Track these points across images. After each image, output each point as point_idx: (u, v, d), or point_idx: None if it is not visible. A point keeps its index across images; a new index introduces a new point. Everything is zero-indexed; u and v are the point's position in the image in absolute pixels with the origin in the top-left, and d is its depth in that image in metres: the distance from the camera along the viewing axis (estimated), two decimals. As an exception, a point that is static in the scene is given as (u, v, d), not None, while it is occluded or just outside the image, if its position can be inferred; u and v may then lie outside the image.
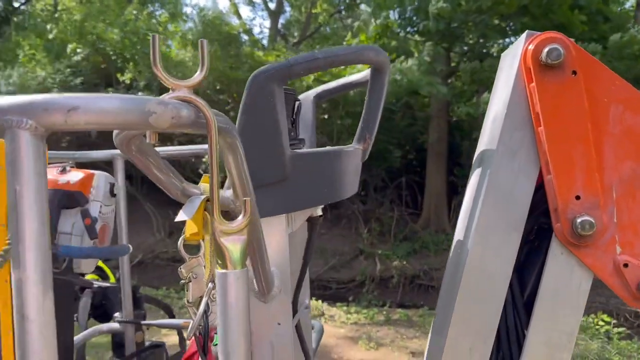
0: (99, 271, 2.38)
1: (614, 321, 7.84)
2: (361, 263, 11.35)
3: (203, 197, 0.82)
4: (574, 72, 0.89)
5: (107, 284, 2.12)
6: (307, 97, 1.21)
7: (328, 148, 0.98)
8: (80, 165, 1.45)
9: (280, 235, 0.99)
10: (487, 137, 1.01)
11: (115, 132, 0.60)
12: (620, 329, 7.60)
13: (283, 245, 0.99)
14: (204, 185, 0.84)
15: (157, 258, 11.45)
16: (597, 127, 0.91)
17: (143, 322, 1.77)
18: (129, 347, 1.81)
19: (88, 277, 2.28)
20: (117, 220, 1.68)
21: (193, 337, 0.84)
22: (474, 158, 1.09)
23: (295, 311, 1.12)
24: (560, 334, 0.92)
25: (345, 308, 8.78)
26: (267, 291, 0.97)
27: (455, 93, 11.31)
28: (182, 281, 0.87)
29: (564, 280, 0.92)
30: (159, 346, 1.74)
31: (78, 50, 12.05)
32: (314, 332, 1.59)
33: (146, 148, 0.67)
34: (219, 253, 0.62)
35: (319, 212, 1.07)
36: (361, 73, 1.13)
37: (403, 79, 10.59)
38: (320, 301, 8.81)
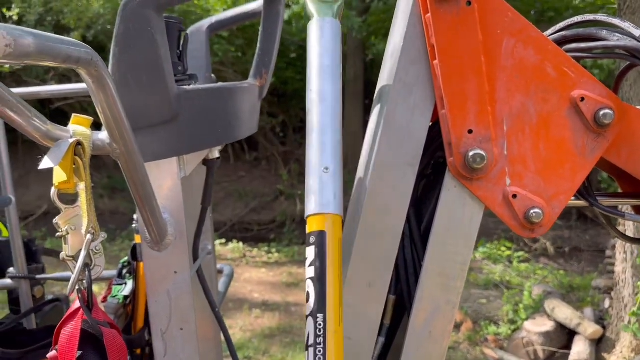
0: (-11, 226, 2.19)
1: (515, 247, 8.57)
2: (282, 204, 11.44)
3: (72, 140, 0.74)
4: (469, 3, 0.87)
5: (-1, 239, 1.95)
6: (199, 29, 1.11)
7: (220, 84, 0.91)
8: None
9: (171, 180, 0.93)
10: (387, 73, 0.99)
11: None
12: (520, 253, 8.34)
13: (175, 191, 0.93)
14: (74, 126, 0.75)
15: (66, 208, 10.79)
16: (490, 60, 0.91)
17: (37, 276, 1.66)
18: (25, 303, 1.70)
19: (-23, 232, 2.09)
20: (-1, 169, 1.52)
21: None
22: (375, 95, 1.06)
23: (195, 258, 1.08)
24: (454, 264, 0.96)
25: (266, 248, 8.89)
26: (160, 239, 0.92)
27: (370, 31, 11.28)
28: (59, 234, 0.79)
29: (456, 212, 0.94)
30: (58, 300, 1.65)
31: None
32: (223, 277, 1.57)
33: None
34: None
35: (216, 154, 1.01)
36: (256, 2, 1.05)
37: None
38: (240, 243, 8.85)
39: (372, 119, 1.04)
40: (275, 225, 10.92)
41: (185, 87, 0.87)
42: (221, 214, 10.92)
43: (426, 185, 1.06)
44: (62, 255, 0.79)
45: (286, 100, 12.51)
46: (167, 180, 0.92)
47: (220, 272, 1.58)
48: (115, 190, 11.63)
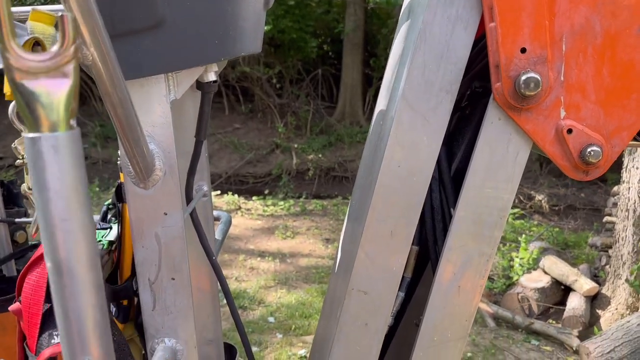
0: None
1: (510, 203, 8.50)
2: (277, 157, 11.29)
3: (28, 37, 0.57)
4: None
5: (-26, 180, 1.80)
6: None
7: (218, -16, 0.74)
8: None
9: (159, 103, 0.77)
10: (420, -21, 0.81)
11: None
12: (515, 210, 8.29)
13: (164, 116, 0.77)
14: (32, 24, 0.58)
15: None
16: (550, -37, 0.74)
17: (17, 220, 1.52)
18: (3, 247, 1.57)
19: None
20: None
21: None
22: (402, 9, 0.89)
23: (189, 199, 0.93)
24: (491, 210, 0.82)
25: (261, 201, 8.80)
26: (145, 175, 0.77)
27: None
28: (19, 161, 0.63)
29: (499, 150, 0.80)
30: (38, 246, 1.52)
31: None
32: (220, 224, 1.43)
33: None
34: (21, 106, 0.40)
35: (212, 76, 0.84)
36: None
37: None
38: (236, 195, 8.74)
39: (399, 39, 0.87)
40: (271, 179, 10.80)
41: (175, -15, 0.70)
42: (216, 166, 10.77)
43: (460, 119, 0.91)
44: (24, 187, 0.63)
45: (283, 50, 12.12)
46: (154, 103, 0.76)
47: (217, 219, 1.45)
48: (108, 140, 11.41)
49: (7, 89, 0.55)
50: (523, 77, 0.74)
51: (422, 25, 0.76)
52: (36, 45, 0.57)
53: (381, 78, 0.88)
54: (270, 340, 4.46)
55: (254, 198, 9.00)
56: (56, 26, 0.62)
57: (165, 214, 0.80)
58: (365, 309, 0.87)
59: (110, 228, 1.12)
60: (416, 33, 0.77)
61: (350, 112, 12.34)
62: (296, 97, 12.40)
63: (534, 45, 0.74)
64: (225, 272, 5.73)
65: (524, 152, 0.80)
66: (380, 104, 0.93)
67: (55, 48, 0.41)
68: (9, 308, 0.71)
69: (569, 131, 0.78)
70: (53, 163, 0.41)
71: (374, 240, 0.83)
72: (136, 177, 0.77)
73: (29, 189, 0.62)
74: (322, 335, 1.02)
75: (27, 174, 0.62)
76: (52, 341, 0.67)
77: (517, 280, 5.44)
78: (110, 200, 1.15)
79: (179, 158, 0.82)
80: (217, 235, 1.33)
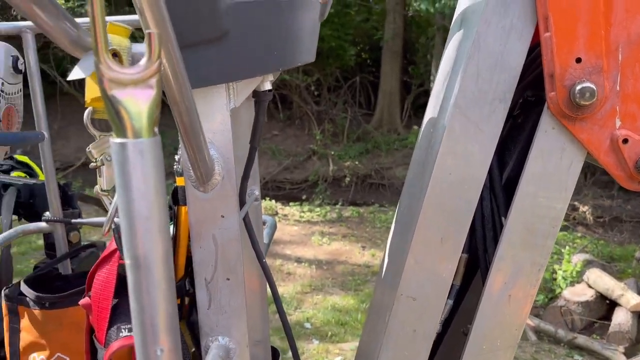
0: (26, 168, 2.14)
1: (552, 214, 8.27)
2: (314, 164, 11.35)
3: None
4: None
5: (34, 181, 1.89)
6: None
7: (278, -4, 0.77)
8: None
9: (220, 111, 0.80)
10: (473, -11, 0.83)
11: None
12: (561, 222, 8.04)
13: (224, 124, 0.81)
14: (110, 36, 0.63)
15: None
16: (607, -27, 0.74)
17: (73, 220, 1.60)
18: (60, 247, 1.65)
19: (14, 174, 2.05)
20: (34, 107, 1.43)
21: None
22: (454, 19, 0.91)
23: (242, 203, 0.97)
24: (544, 219, 0.82)
25: (298, 207, 8.86)
26: (206, 179, 0.80)
27: (412, -14, 10.78)
28: (93, 164, 0.68)
29: (553, 158, 0.80)
30: (94, 246, 1.59)
31: None
32: (267, 228, 1.47)
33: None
34: (111, 113, 0.43)
35: (268, 85, 0.88)
36: None
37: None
38: (273, 201, 8.83)
39: (451, 48, 0.89)
40: (307, 185, 10.87)
41: (237, -1, 0.74)
42: (254, 171, 10.90)
43: (511, 127, 0.91)
44: (97, 188, 0.68)
45: (322, 58, 12.21)
46: (215, 111, 0.80)
47: (263, 223, 1.48)
48: (163, 146, 11.72)
49: (88, 97, 0.59)
50: (578, 87, 0.74)
51: (476, 35, 0.77)
52: (114, 56, 0.62)
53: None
54: (307, 346, 4.48)
55: (290, 204, 9.08)
56: (130, 38, 0.66)
57: (223, 216, 0.84)
58: (414, 315, 0.88)
59: (165, 230, 1.16)
60: (470, 42, 0.78)
61: (388, 120, 12.31)
62: (334, 104, 12.46)
63: (589, 55, 0.75)
64: (262, 276, 5.79)
65: (577, 162, 0.80)
66: (430, 112, 0.94)
67: (143, 62, 0.45)
68: (79, 302, 0.75)
69: (625, 141, 0.77)
70: (137, 166, 0.45)
71: (424, 247, 0.84)
72: (197, 181, 0.81)
73: (102, 190, 0.67)
74: (368, 342, 1.03)
75: (99, 177, 0.67)
76: (121, 334, 0.71)
77: (560, 293, 5.29)
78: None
79: (234, 163, 0.86)
80: (264, 239, 1.36)
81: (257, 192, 1.10)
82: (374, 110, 12.63)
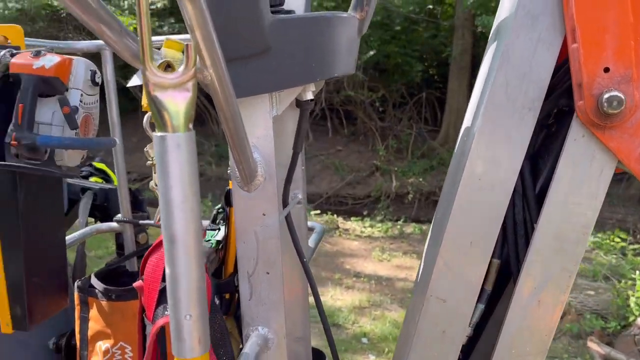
0: (103, 174, 2.35)
1: (630, 238, 7.80)
2: (377, 179, 11.34)
3: (161, 61, 0.70)
4: None
5: (109, 186, 2.08)
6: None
7: (317, 13, 0.84)
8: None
9: (263, 119, 0.89)
10: (508, 2, 0.86)
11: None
12: (636, 246, 7.57)
13: (266, 130, 0.89)
14: (165, 50, 0.72)
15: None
16: (637, -16, 0.76)
17: (140, 222, 1.74)
18: (128, 246, 1.80)
19: (92, 180, 2.25)
20: (109, 117, 1.59)
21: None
22: (491, 32, 0.94)
23: (285, 204, 1.04)
24: (574, 226, 0.83)
25: (359, 222, 8.88)
26: (249, 179, 0.88)
27: (481, 2, 10.63)
28: (149, 162, 0.78)
29: (583, 166, 0.81)
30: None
31: None
32: (314, 233, 1.53)
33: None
34: (154, 111, 0.51)
35: (309, 95, 0.95)
36: None
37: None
38: (335, 215, 8.91)
39: (487, 59, 0.92)
40: (370, 201, 10.86)
41: (279, 16, 0.82)
42: (317, 186, 11.07)
43: (546, 136, 0.93)
44: (152, 184, 0.77)
45: (387, 74, 12.25)
46: (259, 118, 0.88)
47: (311, 229, 1.55)
48: (222, 158, 12.19)
49: (144, 102, 0.68)
50: (606, 96, 0.76)
51: (505, 46, 0.80)
52: (167, 67, 0.71)
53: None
54: (362, 360, 4.47)
55: (352, 219, 9.11)
56: (183, 52, 0.76)
57: (264, 214, 0.91)
58: (443, 317, 0.91)
59: (219, 229, 1.26)
60: (499, 54, 0.82)
61: (454, 136, 12.08)
62: (398, 120, 12.42)
63: (617, 65, 0.76)
64: (320, 289, 5.85)
65: (608, 169, 0.81)
66: (466, 122, 0.97)
67: (181, 69, 0.53)
68: (134, 284, 0.85)
69: (657, 150, 0.77)
70: (175, 156, 0.53)
71: (453, 250, 0.88)
72: (242, 181, 0.89)
73: (156, 185, 0.76)
74: (402, 341, 1.06)
75: (154, 173, 0.76)
76: (166, 313, 0.79)
77: (633, 321, 4.96)
78: (220, 205, 1.29)
79: (278, 168, 0.93)
80: (311, 243, 1.43)
81: (301, 196, 1.17)
82: (440, 127, 12.47)
